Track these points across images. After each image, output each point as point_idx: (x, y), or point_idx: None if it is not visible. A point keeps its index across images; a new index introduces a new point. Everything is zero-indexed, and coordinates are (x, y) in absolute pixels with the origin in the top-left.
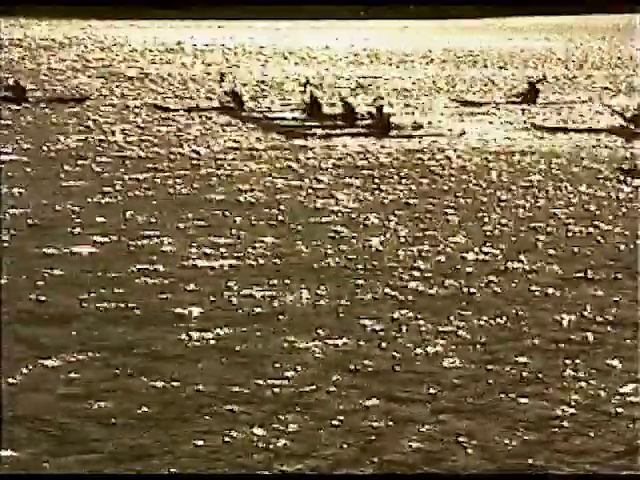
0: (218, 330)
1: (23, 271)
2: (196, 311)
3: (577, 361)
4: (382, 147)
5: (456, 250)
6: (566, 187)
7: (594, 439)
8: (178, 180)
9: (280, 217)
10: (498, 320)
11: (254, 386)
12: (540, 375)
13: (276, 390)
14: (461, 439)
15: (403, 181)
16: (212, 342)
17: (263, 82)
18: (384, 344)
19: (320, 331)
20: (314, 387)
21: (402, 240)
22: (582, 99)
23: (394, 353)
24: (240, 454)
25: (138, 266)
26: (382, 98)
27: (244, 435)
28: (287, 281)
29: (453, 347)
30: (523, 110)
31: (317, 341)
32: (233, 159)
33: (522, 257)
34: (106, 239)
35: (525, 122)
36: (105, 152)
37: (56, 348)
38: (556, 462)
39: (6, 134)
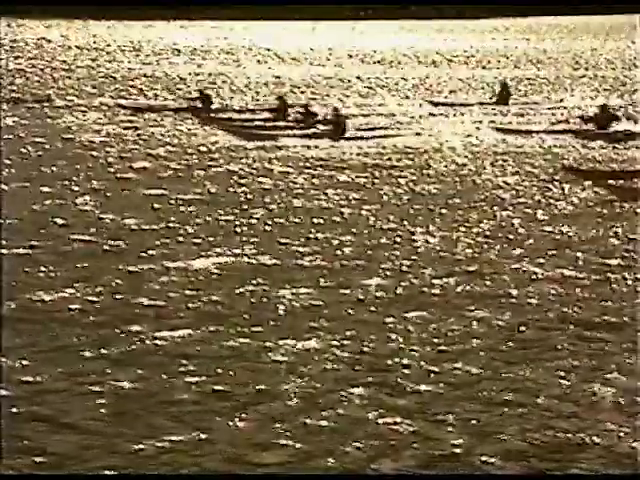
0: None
1: None
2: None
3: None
4: (334, 149)
5: (412, 249)
6: (512, 186)
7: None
8: (135, 179)
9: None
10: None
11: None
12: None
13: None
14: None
15: (348, 182)
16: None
17: (235, 83)
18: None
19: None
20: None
21: (356, 241)
22: (554, 100)
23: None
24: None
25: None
26: (341, 100)
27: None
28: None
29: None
30: (493, 111)
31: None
32: (187, 159)
33: (470, 256)
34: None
35: (489, 123)
36: (64, 153)
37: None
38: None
39: None
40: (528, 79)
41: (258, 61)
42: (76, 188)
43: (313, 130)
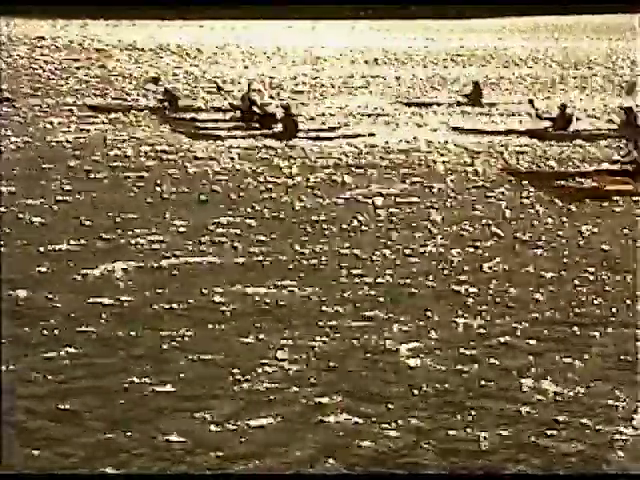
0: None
1: None
2: None
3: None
4: (287, 149)
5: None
6: (463, 186)
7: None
8: (96, 180)
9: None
10: None
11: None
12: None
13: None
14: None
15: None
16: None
17: (199, 82)
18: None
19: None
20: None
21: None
22: (521, 101)
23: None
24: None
25: None
26: (293, 99)
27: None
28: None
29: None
30: (462, 111)
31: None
32: (145, 160)
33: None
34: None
35: (449, 123)
36: (26, 152)
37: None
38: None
39: None
40: (508, 79)
41: (243, 60)
42: (39, 190)
43: (263, 131)
